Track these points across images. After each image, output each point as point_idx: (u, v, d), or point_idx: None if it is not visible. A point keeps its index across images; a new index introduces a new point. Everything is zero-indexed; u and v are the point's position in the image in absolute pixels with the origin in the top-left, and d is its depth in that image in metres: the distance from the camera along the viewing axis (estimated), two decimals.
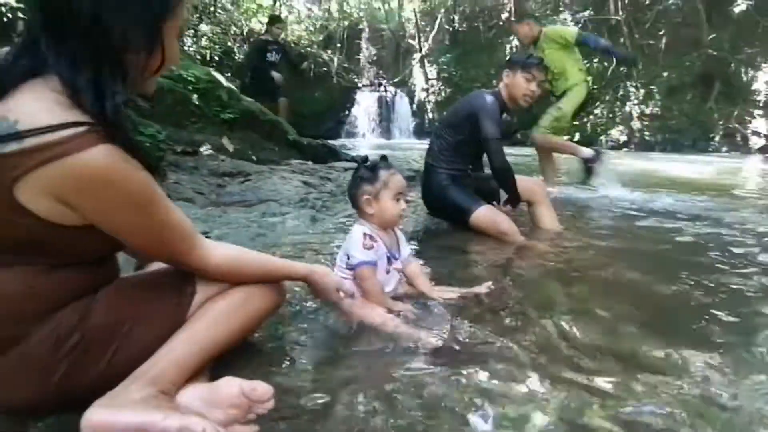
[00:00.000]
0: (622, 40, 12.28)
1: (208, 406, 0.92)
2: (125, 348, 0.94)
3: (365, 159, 1.64)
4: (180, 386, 0.96)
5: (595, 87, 12.66)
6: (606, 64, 12.60)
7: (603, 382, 1.13)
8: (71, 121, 0.80)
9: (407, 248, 1.70)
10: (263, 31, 7.61)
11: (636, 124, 12.12)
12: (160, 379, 0.92)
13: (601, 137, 12.26)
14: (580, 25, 12.43)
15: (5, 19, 3.29)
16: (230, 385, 0.93)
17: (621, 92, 12.46)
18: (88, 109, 0.82)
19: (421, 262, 1.85)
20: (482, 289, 1.67)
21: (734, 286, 1.81)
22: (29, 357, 0.88)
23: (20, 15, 3.32)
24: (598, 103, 12.71)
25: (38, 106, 0.80)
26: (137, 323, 0.96)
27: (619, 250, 2.40)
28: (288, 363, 1.21)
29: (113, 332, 0.93)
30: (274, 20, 7.06)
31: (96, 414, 0.86)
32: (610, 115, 12.41)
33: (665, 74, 11.95)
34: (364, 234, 1.52)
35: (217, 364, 1.07)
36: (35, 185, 0.81)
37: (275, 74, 6.56)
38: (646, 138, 11.95)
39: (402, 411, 1.02)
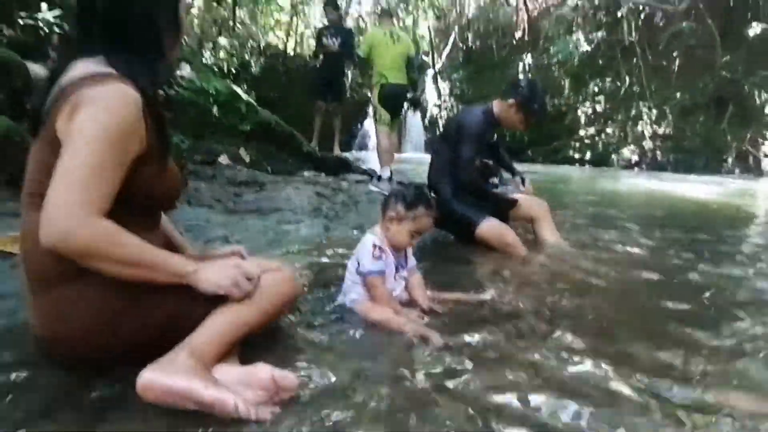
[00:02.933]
0: (635, 60, 12.37)
1: (241, 385, 1.04)
2: (164, 309, 1.09)
3: (419, 186, 1.75)
4: (217, 359, 1.08)
5: (608, 106, 12.76)
6: (618, 83, 12.69)
7: (597, 389, 1.22)
8: (100, 71, 1.01)
9: (413, 260, 1.80)
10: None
11: (648, 144, 12.12)
12: (201, 351, 1.05)
13: (613, 156, 12.29)
14: (593, 46, 12.57)
15: (42, 33, 3.49)
16: (263, 371, 1.06)
17: (633, 112, 12.48)
18: (120, 69, 1.03)
19: (424, 272, 1.95)
20: (486, 295, 1.77)
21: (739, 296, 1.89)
22: (81, 293, 1.02)
23: (56, 30, 3.53)
24: (609, 122, 12.76)
25: (81, 67, 1.03)
26: (176, 297, 1.09)
27: (620, 261, 2.47)
28: (306, 354, 1.31)
29: (156, 298, 1.07)
30: (327, 4, 6.88)
31: (150, 375, 0.99)
32: (622, 135, 12.43)
33: (678, 95, 11.97)
34: (374, 245, 1.63)
35: (245, 352, 1.18)
36: (64, 117, 0.98)
37: (330, 42, 6.34)
38: (659, 158, 11.93)
39: (406, 398, 1.12)
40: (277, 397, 1.05)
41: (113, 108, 0.98)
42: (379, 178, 4.90)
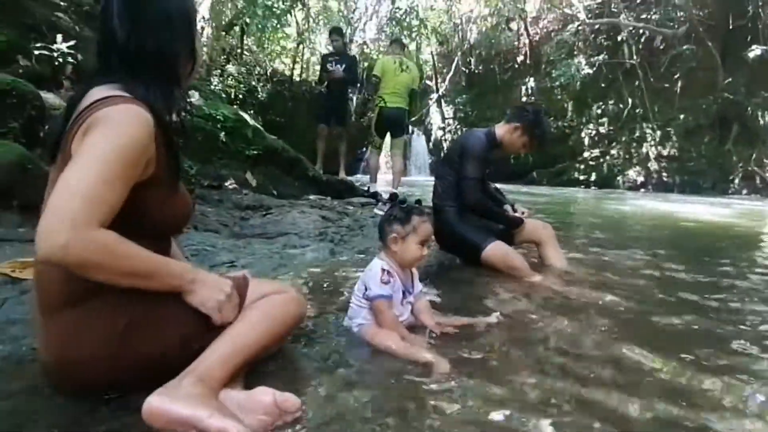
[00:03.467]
0: (637, 83, 12.50)
1: (243, 411, 1.03)
2: (167, 334, 1.10)
3: (403, 200, 1.77)
4: (223, 383, 1.08)
5: (611, 128, 12.84)
6: (621, 105, 12.80)
7: (606, 414, 1.20)
8: (114, 94, 1.04)
9: (419, 285, 1.80)
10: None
11: (653, 165, 12.13)
12: (207, 377, 1.05)
13: (618, 178, 12.29)
14: (595, 69, 12.73)
15: (56, 63, 3.59)
16: (265, 394, 1.05)
17: (637, 133, 12.55)
18: (135, 94, 1.06)
19: (431, 296, 1.94)
20: (492, 319, 1.75)
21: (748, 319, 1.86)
22: (90, 315, 1.03)
23: (70, 60, 3.63)
24: (614, 144, 12.81)
25: (96, 93, 1.05)
26: (176, 319, 1.11)
27: (628, 284, 2.45)
28: (311, 380, 1.30)
29: (164, 308, 1.09)
30: (332, 32, 7.17)
31: (154, 401, 0.99)
32: (627, 156, 12.47)
33: (682, 117, 12.05)
34: (383, 269, 1.63)
35: (251, 377, 1.18)
36: (77, 139, 1.00)
37: (335, 69, 6.49)
38: (665, 179, 11.93)
39: (414, 428, 1.10)
40: (280, 420, 1.04)
41: (123, 126, 1.00)
42: (385, 202, 4.99)
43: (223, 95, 9.57)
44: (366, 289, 1.62)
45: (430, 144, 14.98)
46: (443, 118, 15.45)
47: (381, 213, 4.29)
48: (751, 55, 10.92)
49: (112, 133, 0.98)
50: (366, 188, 5.84)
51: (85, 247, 0.91)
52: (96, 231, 0.93)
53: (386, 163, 11.46)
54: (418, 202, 1.80)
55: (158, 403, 0.98)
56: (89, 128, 1.00)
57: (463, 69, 15.67)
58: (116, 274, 0.98)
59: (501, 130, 2.81)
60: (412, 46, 16.21)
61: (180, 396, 1.00)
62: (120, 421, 1.03)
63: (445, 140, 14.64)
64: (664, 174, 11.94)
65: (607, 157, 12.63)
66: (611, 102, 13.06)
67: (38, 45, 3.50)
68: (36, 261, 1.06)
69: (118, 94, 1.04)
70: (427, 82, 16.11)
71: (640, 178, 12.11)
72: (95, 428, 1.02)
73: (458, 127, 14.77)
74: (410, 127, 13.64)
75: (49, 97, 3.01)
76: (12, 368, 1.26)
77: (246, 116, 5.43)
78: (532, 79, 14.16)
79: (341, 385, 1.29)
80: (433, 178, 3.02)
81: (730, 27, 11.79)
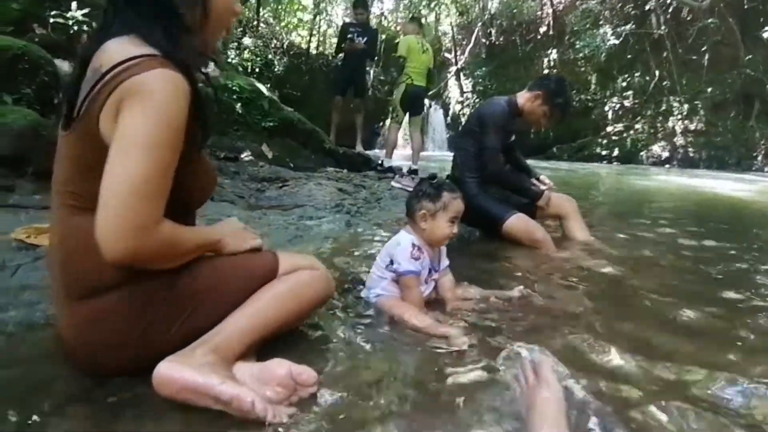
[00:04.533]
0: (665, 54, 11.99)
1: (257, 383, 0.99)
2: (197, 315, 1.04)
3: (433, 176, 1.70)
4: (239, 356, 1.04)
5: (636, 101, 12.40)
6: (647, 77, 12.32)
7: (626, 385, 1.14)
8: (141, 53, 0.92)
9: (446, 261, 1.73)
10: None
11: (679, 140, 11.73)
12: (222, 348, 1.01)
13: (642, 153, 11.93)
14: (621, 40, 12.22)
15: (71, 32, 3.55)
16: (280, 366, 1.01)
17: (664, 107, 12.11)
18: (160, 46, 0.94)
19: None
20: (514, 293, 1.68)
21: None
22: (125, 300, 0.99)
23: (84, 28, 3.58)
24: (639, 118, 12.40)
25: (118, 49, 0.94)
26: (209, 297, 1.05)
27: (655, 262, 2.36)
28: (328, 352, 1.26)
29: (191, 299, 1.04)
30: (357, 4, 6.89)
31: (166, 367, 0.95)
32: (652, 131, 12.07)
33: (709, 90, 11.58)
34: (413, 244, 1.56)
35: (266, 348, 1.14)
36: (106, 112, 0.91)
37: (357, 41, 6.33)
38: (690, 154, 11.55)
39: (430, 402, 1.06)
40: (296, 394, 1.00)
41: (166, 103, 0.90)
42: (403, 175, 4.90)
43: (240, 68, 9.48)
44: (392, 262, 1.56)
45: (448, 119, 14.68)
46: (462, 92, 15.11)
47: (398, 186, 4.22)
48: (765, 35, 10.48)
49: (156, 114, 0.89)
50: (380, 162, 5.76)
51: (154, 248, 0.93)
52: (161, 228, 0.93)
53: (403, 137, 11.31)
54: (433, 176, 1.73)
55: (169, 370, 0.95)
56: (124, 101, 0.89)
57: (483, 40, 15.22)
58: (174, 261, 1.01)
59: (522, 98, 2.69)
60: (431, 18, 15.79)
61: (193, 364, 0.96)
62: (132, 391, 1.00)
63: (463, 114, 14.33)
64: (690, 149, 11.54)
65: (632, 132, 12.24)
66: (637, 74, 12.56)
67: (53, 13, 3.45)
68: (61, 242, 1.01)
69: (146, 54, 0.92)
70: (446, 54, 15.72)
71: (665, 153, 11.73)
72: (106, 399, 0.99)
73: (477, 100, 14.42)
74: (426, 104, 13.60)
75: (64, 65, 2.97)
76: (24, 334, 1.24)
77: (262, 87, 5.35)
78: (554, 50, 13.68)
79: (358, 357, 1.25)
80: (450, 154, 2.93)
81: (745, 6, 11.24)
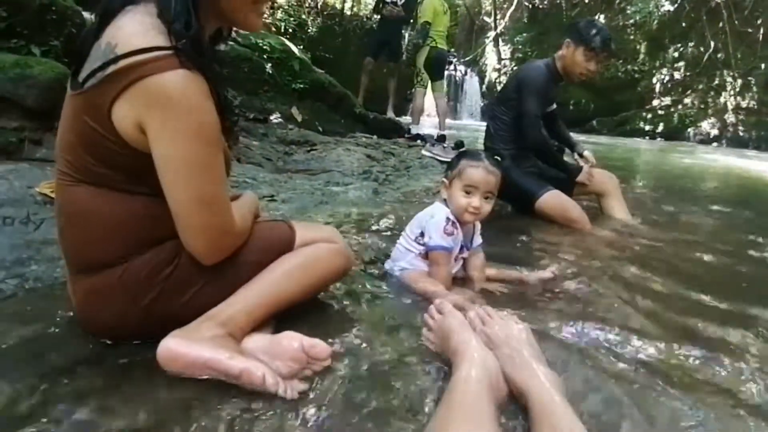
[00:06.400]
0: (721, 24, 11.12)
1: (269, 356, 0.95)
2: (205, 290, 1.00)
3: (460, 143, 1.61)
4: (246, 332, 1.00)
5: (687, 74, 11.64)
6: (702, 48, 11.50)
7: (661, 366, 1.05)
8: (159, 45, 0.84)
9: (479, 239, 1.63)
10: None
11: (730, 118, 11.01)
12: (230, 323, 0.97)
13: (689, 129, 11.28)
14: (676, 6, 11.38)
15: None
16: (292, 339, 0.96)
17: (716, 81, 11.32)
18: (178, 34, 0.86)
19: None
20: (546, 273, 1.59)
21: None
22: (125, 279, 0.95)
23: None
24: (689, 92, 11.67)
25: (135, 29, 0.86)
26: (220, 270, 1.01)
27: (695, 247, 2.19)
28: (345, 327, 1.21)
29: (199, 274, 0.99)
30: None
31: (171, 343, 0.92)
32: (702, 106, 11.35)
33: (762, 66, 10.72)
34: (448, 218, 1.46)
35: (280, 319, 1.10)
36: (124, 107, 0.86)
37: (398, 8, 6.18)
38: (740, 133, 10.84)
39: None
40: (308, 368, 0.96)
41: (196, 113, 0.87)
42: (434, 143, 4.76)
43: (273, 29, 9.32)
44: (422, 234, 1.48)
45: (483, 87, 14.17)
46: (499, 59, 14.49)
47: (429, 155, 4.09)
48: None
49: (197, 133, 0.87)
50: (407, 129, 5.63)
51: (238, 241, 1.02)
52: (237, 223, 0.99)
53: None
54: (460, 144, 1.62)
55: (175, 345, 0.91)
56: (152, 111, 0.85)
57: (526, 4, 14.45)
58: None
59: (558, 59, 2.51)
60: None
61: (198, 338, 0.92)
62: (142, 355, 0.98)
63: (500, 83, 13.74)
64: (741, 128, 10.82)
65: (680, 106, 11.52)
66: (691, 45, 11.72)
67: None
68: (68, 218, 0.97)
69: (162, 46, 0.84)
70: (485, 18, 15.05)
71: (714, 131, 11.03)
72: (116, 361, 0.97)
73: (515, 68, 13.83)
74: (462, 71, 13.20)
75: (92, 18, 2.93)
76: (43, 290, 1.24)
77: (293, 47, 5.22)
78: (602, 16, 12.86)
79: (377, 332, 1.19)
80: (483, 123, 2.78)
81: None
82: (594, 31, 2.39)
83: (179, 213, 0.92)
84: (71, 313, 1.09)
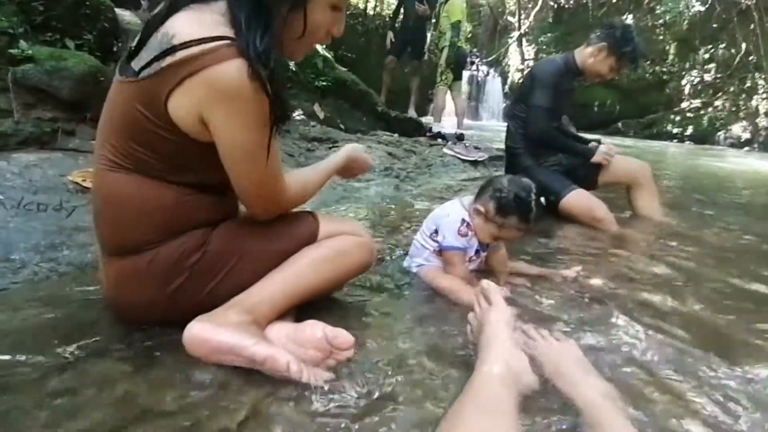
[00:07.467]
0: (752, 26, 10.78)
1: (292, 344, 0.96)
2: (231, 277, 1.02)
3: (461, 136, 1.57)
4: (270, 320, 1.01)
5: (718, 76, 11.32)
6: (733, 50, 11.17)
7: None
8: (217, 35, 0.85)
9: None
10: None
11: (762, 121, 10.66)
12: (254, 310, 0.98)
13: (720, 133, 10.96)
14: (707, 7, 11.08)
15: None
16: (315, 328, 0.96)
17: (748, 83, 10.97)
18: (259, 65, 0.86)
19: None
20: (570, 272, 1.56)
21: None
22: (155, 263, 0.97)
23: None
24: (720, 94, 11.34)
25: (194, 20, 0.88)
26: (245, 258, 1.03)
27: (727, 254, 2.12)
28: (367, 319, 1.22)
29: (225, 261, 1.01)
30: None
31: (197, 328, 0.93)
32: (733, 109, 11.02)
33: None
34: (463, 220, 1.45)
35: (302, 309, 1.10)
36: (182, 98, 0.88)
37: (424, 7, 6.13)
38: None
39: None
40: (332, 357, 0.96)
41: (256, 103, 0.88)
42: (455, 142, 4.74)
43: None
44: (436, 232, 1.48)
45: (506, 87, 14.03)
46: (523, 59, 14.33)
47: (450, 153, 4.07)
48: None
49: (255, 122, 0.90)
50: (429, 128, 5.62)
51: (291, 205, 1.11)
52: (291, 192, 1.06)
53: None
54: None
55: (200, 330, 0.92)
56: (214, 104, 0.87)
57: (551, 3, 14.25)
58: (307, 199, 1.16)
59: (582, 54, 2.44)
60: None
61: (224, 324, 0.94)
62: (168, 339, 1.00)
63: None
64: None
65: (710, 109, 11.20)
66: (722, 46, 11.39)
67: None
68: (105, 200, 0.99)
69: (219, 36, 0.85)
70: (509, 18, 14.90)
71: (746, 135, 10.69)
72: (143, 344, 1.00)
73: None
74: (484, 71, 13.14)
75: (125, 14, 3.00)
76: (75, 274, 1.28)
77: (317, 45, 5.25)
78: (630, 15, 12.60)
79: (397, 327, 1.19)
80: (505, 125, 2.74)
81: None
82: (630, 47, 2.35)
83: (241, 186, 0.98)
84: (101, 297, 1.11)
